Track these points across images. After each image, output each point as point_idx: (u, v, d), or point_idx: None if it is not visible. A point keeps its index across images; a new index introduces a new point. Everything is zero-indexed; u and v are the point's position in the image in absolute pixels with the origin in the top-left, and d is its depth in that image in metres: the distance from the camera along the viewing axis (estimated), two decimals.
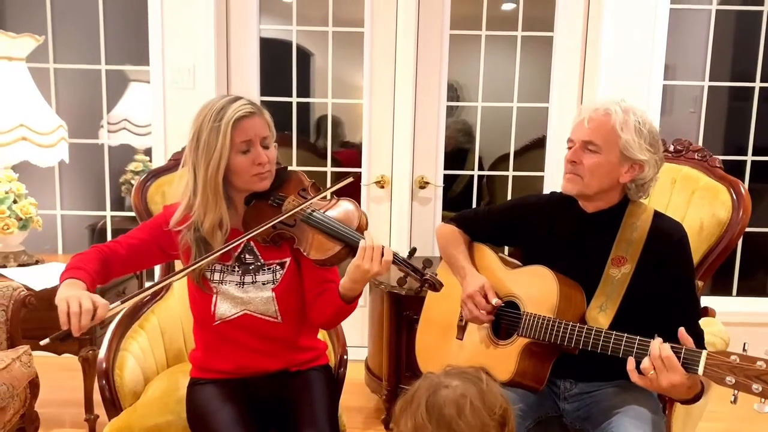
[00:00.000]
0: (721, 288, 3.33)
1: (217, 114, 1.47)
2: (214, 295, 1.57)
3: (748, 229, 3.04)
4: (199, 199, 1.50)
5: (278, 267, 1.58)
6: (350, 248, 1.44)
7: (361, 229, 1.47)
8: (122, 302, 1.42)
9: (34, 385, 2.13)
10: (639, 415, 1.46)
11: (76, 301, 1.33)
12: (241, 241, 1.51)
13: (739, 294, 3.32)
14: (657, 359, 1.28)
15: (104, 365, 1.74)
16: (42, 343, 1.41)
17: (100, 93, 3.19)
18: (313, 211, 1.50)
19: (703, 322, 1.88)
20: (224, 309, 1.58)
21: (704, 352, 1.25)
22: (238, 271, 1.57)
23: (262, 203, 1.56)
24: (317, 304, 1.56)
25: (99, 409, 1.94)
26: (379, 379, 2.59)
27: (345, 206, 1.53)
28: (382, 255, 1.41)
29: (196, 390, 1.61)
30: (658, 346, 1.29)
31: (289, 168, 1.64)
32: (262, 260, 1.58)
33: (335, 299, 1.50)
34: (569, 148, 1.55)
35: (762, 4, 3.01)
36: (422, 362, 1.82)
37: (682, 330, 1.30)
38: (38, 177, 2.89)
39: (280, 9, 3.17)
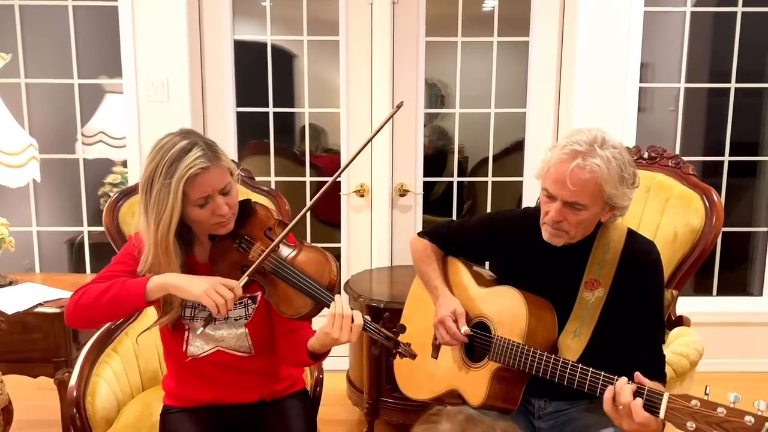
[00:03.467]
0: (702, 288, 3.34)
1: (168, 169, 1.35)
2: (186, 332, 1.54)
3: (727, 229, 3.07)
4: (152, 258, 1.42)
5: (250, 301, 1.55)
6: (320, 307, 1.40)
7: (332, 283, 1.41)
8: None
9: (7, 412, 2.09)
10: None
11: (211, 288, 1.34)
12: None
13: (719, 292, 3.33)
14: (613, 410, 1.27)
15: (75, 393, 1.71)
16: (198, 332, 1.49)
17: (74, 107, 3.14)
18: (283, 261, 1.43)
19: (678, 332, 1.89)
20: (196, 346, 1.55)
21: (666, 395, 1.23)
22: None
23: (227, 242, 1.50)
24: (284, 346, 1.54)
25: None
26: (361, 392, 2.57)
27: (316, 257, 1.45)
28: (353, 321, 1.36)
29: (169, 419, 1.59)
30: (613, 392, 1.28)
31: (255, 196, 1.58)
32: None
33: (303, 354, 1.46)
34: (546, 196, 1.48)
35: (736, 5, 3.02)
36: (400, 379, 1.81)
37: (638, 374, 1.30)
38: (13, 193, 2.84)
39: (256, 11, 3.13)
